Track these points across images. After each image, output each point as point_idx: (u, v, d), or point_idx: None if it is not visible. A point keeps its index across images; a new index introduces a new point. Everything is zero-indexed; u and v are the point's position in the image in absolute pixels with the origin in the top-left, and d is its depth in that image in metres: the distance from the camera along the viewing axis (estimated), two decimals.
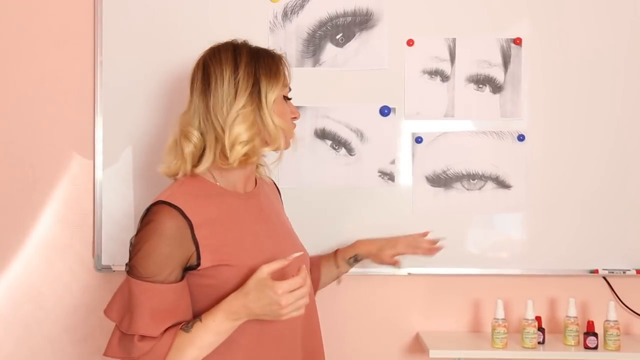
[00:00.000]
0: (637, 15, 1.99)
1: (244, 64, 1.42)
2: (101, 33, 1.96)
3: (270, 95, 1.42)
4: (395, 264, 1.79)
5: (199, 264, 1.35)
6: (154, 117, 1.95)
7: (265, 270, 1.31)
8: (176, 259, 1.33)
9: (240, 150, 1.39)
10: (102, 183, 1.97)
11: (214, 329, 1.33)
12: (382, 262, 1.79)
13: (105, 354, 1.37)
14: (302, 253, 1.38)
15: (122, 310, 1.36)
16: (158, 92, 1.95)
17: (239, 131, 1.39)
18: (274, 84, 1.43)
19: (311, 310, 1.52)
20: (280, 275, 1.34)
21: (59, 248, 2.00)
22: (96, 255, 1.98)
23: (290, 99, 1.51)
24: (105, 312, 1.40)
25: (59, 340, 2.00)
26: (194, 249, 1.34)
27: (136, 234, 1.37)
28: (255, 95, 1.41)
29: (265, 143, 1.44)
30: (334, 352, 1.98)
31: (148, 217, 1.35)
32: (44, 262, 1.99)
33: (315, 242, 1.92)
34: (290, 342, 1.45)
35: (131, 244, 1.38)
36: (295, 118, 1.51)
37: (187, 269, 1.36)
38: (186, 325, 1.34)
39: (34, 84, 1.99)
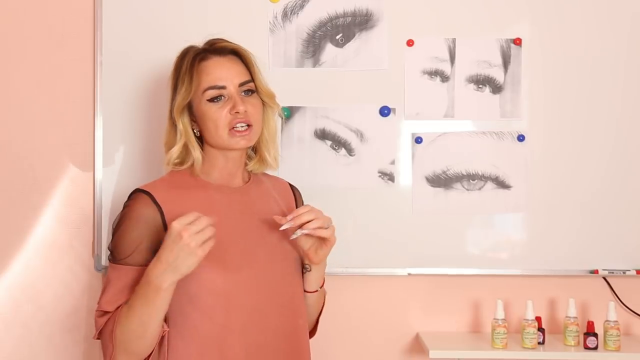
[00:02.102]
0: (637, 15, 1.99)
1: (171, 74, 1.52)
2: (101, 33, 1.96)
3: (179, 100, 1.47)
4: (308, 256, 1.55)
5: None
6: (154, 117, 1.95)
7: (175, 223, 1.31)
8: (146, 243, 1.40)
9: (167, 155, 1.52)
10: (102, 183, 1.97)
11: (141, 291, 1.34)
12: (307, 256, 1.55)
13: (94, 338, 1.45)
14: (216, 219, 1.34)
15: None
16: (158, 92, 1.94)
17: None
18: (181, 89, 1.47)
19: (298, 331, 1.52)
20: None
21: (59, 248, 2.00)
22: (96, 255, 1.98)
23: (217, 97, 1.47)
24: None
25: (59, 340, 1.99)
26: (164, 234, 1.36)
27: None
28: (172, 101, 1.50)
29: (188, 147, 1.50)
30: (333, 353, 1.98)
31: (125, 204, 1.45)
32: (44, 262, 1.99)
33: None
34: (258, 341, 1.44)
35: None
36: (237, 113, 1.45)
37: None
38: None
39: (34, 84, 1.99)
